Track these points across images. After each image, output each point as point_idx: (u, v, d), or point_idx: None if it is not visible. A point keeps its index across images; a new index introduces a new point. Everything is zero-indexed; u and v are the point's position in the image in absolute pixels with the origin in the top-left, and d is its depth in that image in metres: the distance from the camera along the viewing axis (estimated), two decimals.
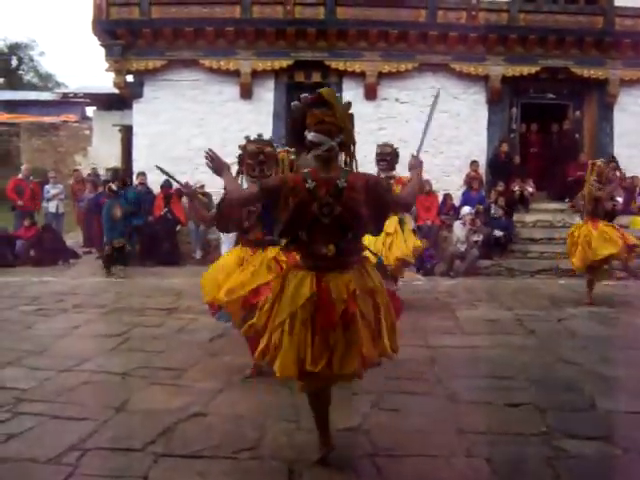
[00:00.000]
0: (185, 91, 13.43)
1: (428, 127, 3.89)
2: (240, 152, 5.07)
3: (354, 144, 3.34)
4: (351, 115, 3.32)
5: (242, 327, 4.93)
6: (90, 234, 13.52)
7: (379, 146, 7.78)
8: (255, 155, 4.87)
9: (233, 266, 4.90)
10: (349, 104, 3.32)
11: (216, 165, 3.63)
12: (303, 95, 3.29)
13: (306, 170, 3.24)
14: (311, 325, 3.10)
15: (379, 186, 3.29)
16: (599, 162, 8.67)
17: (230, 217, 4.89)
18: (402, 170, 10.14)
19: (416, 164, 3.75)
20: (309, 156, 3.26)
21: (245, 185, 4.94)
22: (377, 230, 3.44)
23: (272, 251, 4.81)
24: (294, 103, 3.32)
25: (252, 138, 5.00)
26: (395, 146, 7.80)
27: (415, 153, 3.81)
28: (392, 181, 7.97)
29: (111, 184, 12.06)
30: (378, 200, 3.23)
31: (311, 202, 3.12)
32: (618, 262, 8.56)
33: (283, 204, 3.17)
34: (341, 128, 3.19)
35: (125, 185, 13.09)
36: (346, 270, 3.18)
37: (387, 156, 7.68)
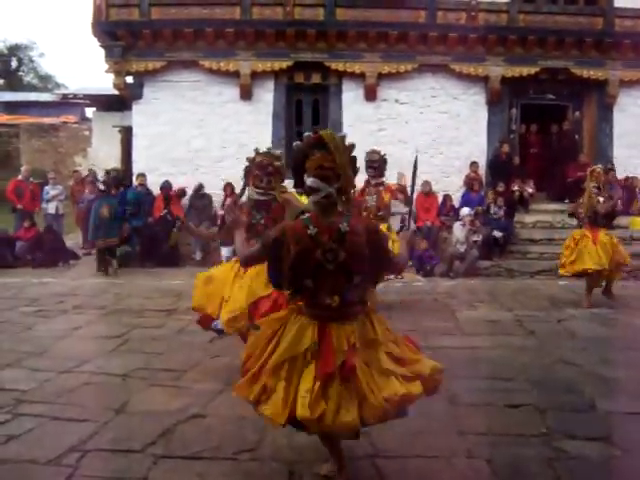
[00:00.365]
0: (185, 92, 13.41)
1: (413, 190, 3.94)
2: (247, 164, 5.15)
3: (353, 188, 3.29)
4: (353, 158, 3.24)
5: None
6: (95, 235, 13.47)
7: (367, 153, 7.80)
8: (264, 167, 4.94)
9: (229, 277, 4.95)
10: (352, 147, 3.23)
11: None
12: (306, 134, 3.24)
13: (306, 216, 3.18)
14: (310, 373, 2.98)
15: (378, 233, 3.25)
16: (598, 168, 8.70)
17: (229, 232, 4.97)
18: (396, 170, 10.23)
19: (407, 236, 3.71)
20: (310, 200, 3.19)
21: (247, 195, 5.11)
22: (374, 282, 3.39)
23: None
24: (296, 143, 3.27)
25: (261, 151, 5.06)
26: (383, 153, 7.82)
27: (407, 226, 3.83)
28: (381, 188, 8.00)
29: (99, 184, 12.16)
30: (376, 247, 3.14)
31: (314, 249, 3.04)
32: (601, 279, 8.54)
33: (286, 254, 3.08)
34: (339, 174, 3.10)
35: (118, 185, 13.12)
36: (349, 321, 3.09)
37: (375, 163, 7.74)
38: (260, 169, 4.94)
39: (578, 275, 8.42)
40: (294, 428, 3.14)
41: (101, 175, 14.81)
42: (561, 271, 8.66)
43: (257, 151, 5.09)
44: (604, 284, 8.54)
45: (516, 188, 13.08)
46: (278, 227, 3.23)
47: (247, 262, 3.61)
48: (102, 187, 11.87)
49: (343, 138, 3.19)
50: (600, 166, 9.06)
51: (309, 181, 3.11)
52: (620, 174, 13.16)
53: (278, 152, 5.27)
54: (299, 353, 3.02)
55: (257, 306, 4.66)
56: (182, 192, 12.44)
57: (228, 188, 11.97)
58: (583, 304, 8.27)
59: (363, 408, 2.94)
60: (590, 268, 8.08)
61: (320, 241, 3.04)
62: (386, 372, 3.04)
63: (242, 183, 5.36)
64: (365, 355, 3.04)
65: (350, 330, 3.06)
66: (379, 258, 3.17)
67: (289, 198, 4.97)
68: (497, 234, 11.76)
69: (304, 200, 3.94)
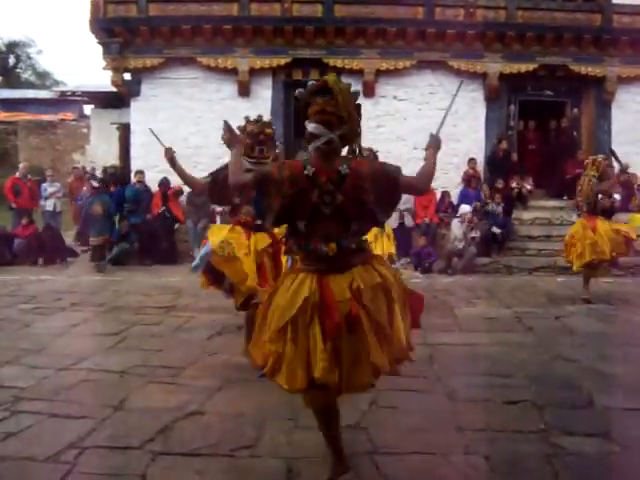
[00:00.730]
0: (183, 89, 13.40)
1: (449, 109, 3.46)
2: (239, 132, 5.05)
3: (358, 136, 3.07)
4: (358, 106, 3.06)
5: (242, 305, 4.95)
6: (87, 232, 13.51)
7: None
8: (255, 135, 4.84)
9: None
10: (357, 94, 3.07)
11: (230, 138, 3.53)
12: (310, 82, 3.08)
13: (305, 157, 3.04)
14: (317, 330, 2.81)
15: (386, 170, 3.00)
16: (599, 158, 8.66)
17: (223, 189, 4.76)
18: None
19: (434, 143, 3.33)
20: (309, 148, 2.99)
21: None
22: (383, 218, 3.06)
23: (263, 239, 4.85)
24: (299, 90, 3.10)
25: (251, 118, 4.95)
26: (375, 149, 7.83)
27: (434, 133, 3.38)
28: None
29: (92, 181, 12.21)
30: (386, 185, 2.94)
31: (310, 190, 2.88)
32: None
33: (276, 192, 2.92)
34: (343, 119, 2.92)
35: (116, 183, 13.20)
36: (349, 271, 2.92)
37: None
38: (251, 138, 4.83)
39: (586, 266, 8.31)
40: (313, 391, 2.91)
41: (99, 172, 14.86)
42: (574, 268, 8.52)
43: (247, 119, 4.98)
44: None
45: (515, 185, 13.10)
46: (275, 163, 3.10)
47: (236, 186, 3.30)
48: (96, 184, 11.99)
49: (349, 85, 3.03)
50: (601, 156, 9.02)
51: (310, 127, 2.94)
52: (617, 171, 13.15)
53: (267, 119, 5.17)
54: (299, 306, 2.83)
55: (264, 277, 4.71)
56: (179, 192, 12.45)
57: None
58: (581, 296, 8.25)
59: (374, 357, 2.81)
60: (595, 259, 8.04)
61: (317, 182, 2.88)
62: (396, 321, 2.92)
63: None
64: (373, 300, 2.86)
65: (350, 277, 2.89)
66: (391, 190, 2.97)
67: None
68: (496, 230, 11.77)
69: None
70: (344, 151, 3.11)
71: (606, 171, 8.47)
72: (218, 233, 5.05)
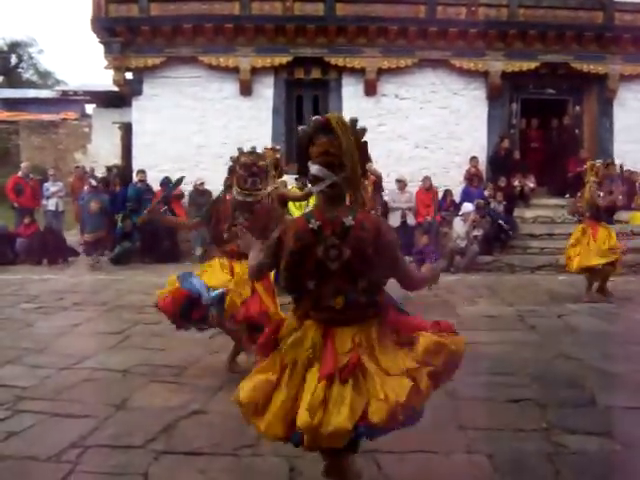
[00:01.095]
0: (184, 88, 13.41)
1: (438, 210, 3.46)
2: (231, 163, 5.03)
3: (361, 179, 2.87)
4: (363, 145, 2.84)
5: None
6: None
7: None
8: (248, 167, 4.80)
9: (218, 269, 4.96)
10: (363, 131, 2.84)
11: (246, 245, 3.31)
12: (314, 118, 2.88)
13: (309, 210, 2.90)
14: (314, 377, 2.68)
15: (388, 235, 2.80)
16: (597, 163, 8.69)
17: (214, 228, 4.97)
18: (396, 165, 10.17)
19: (434, 272, 3.36)
20: (314, 190, 2.83)
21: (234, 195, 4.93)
22: (379, 278, 2.87)
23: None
24: (301, 127, 2.90)
25: (245, 150, 4.94)
26: (378, 171, 7.80)
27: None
28: (366, 182, 7.94)
29: (91, 180, 12.37)
30: (383, 250, 2.75)
31: (315, 245, 2.71)
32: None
33: (285, 251, 2.77)
34: (344, 163, 2.73)
35: (120, 182, 13.29)
36: (357, 324, 2.77)
37: None
38: (244, 169, 4.80)
39: (583, 271, 8.37)
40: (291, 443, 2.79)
41: (102, 172, 14.87)
42: (568, 268, 8.61)
43: (241, 151, 4.95)
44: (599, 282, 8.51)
45: (517, 183, 13.09)
46: (279, 227, 2.90)
47: (256, 273, 3.13)
48: (94, 183, 12.14)
49: (354, 122, 2.83)
50: (599, 161, 9.05)
51: (313, 169, 2.77)
52: (619, 169, 13.15)
53: (277, 146, 5.17)
54: (301, 357, 2.74)
55: (248, 306, 4.70)
56: (180, 195, 12.46)
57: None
58: (583, 298, 8.27)
59: (369, 406, 2.60)
60: (593, 265, 8.08)
61: (322, 236, 2.71)
62: (400, 370, 2.71)
63: (225, 183, 5.24)
64: (374, 355, 2.74)
65: (356, 330, 2.76)
66: (386, 263, 2.79)
67: (285, 192, 4.90)
68: (503, 223, 11.76)
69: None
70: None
71: (608, 176, 8.51)
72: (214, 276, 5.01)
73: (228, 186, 5.14)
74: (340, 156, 2.72)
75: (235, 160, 4.96)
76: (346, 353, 2.69)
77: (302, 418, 2.59)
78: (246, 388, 2.88)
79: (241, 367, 4.98)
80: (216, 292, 4.80)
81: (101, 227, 12.01)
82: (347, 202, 2.83)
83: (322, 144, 2.74)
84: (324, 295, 2.75)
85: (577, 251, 8.24)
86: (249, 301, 4.74)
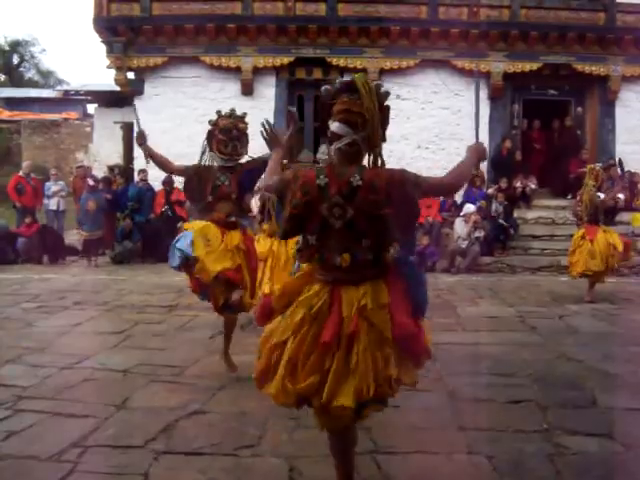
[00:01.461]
0: (186, 88, 13.42)
1: (478, 115, 3.42)
2: (210, 127, 4.85)
3: (380, 141, 2.79)
4: (386, 107, 2.82)
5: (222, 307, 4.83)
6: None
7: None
8: (228, 131, 4.68)
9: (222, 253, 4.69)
10: (387, 94, 2.81)
11: (272, 140, 3.22)
12: (338, 79, 2.88)
13: (322, 165, 2.90)
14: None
15: (406, 183, 2.72)
16: (597, 167, 8.72)
17: (199, 185, 4.75)
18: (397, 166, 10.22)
19: (477, 149, 3.09)
20: (331, 148, 2.81)
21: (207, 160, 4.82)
22: (405, 241, 2.88)
23: (236, 236, 4.74)
24: (324, 87, 2.85)
25: (224, 113, 4.80)
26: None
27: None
28: None
29: (88, 179, 12.45)
30: (404, 201, 2.71)
31: (320, 202, 2.71)
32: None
33: (289, 200, 2.78)
34: (367, 122, 2.70)
35: (110, 181, 13.38)
36: (363, 283, 2.74)
37: None
38: (224, 133, 4.68)
39: (582, 276, 8.40)
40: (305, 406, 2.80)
41: (104, 171, 14.91)
42: (569, 274, 8.67)
43: (219, 113, 4.81)
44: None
45: (518, 184, 13.08)
46: (292, 170, 2.90)
47: (265, 189, 3.23)
48: (91, 182, 12.24)
49: (379, 86, 2.79)
50: (599, 165, 9.06)
51: (333, 126, 2.75)
52: (618, 163, 13.17)
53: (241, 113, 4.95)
54: (308, 317, 2.70)
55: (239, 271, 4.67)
56: (182, 202, 12.48)
57: None
58: (585, 298, 8.28)
59: (358, 381, 2.62)
60: (590, 270, 8.10)
61: (328, 194, 2.71)
62: (389, 345, 2.69)
63: (203, 147, 4.96)
64: (375, 320, 2.69)
65: (362, 292, 2.71)
66: (409, 207, 2.75)
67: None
68: (504, 222, 11.77)
69: None
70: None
71: (608, 179, 8.54)
72: (194, 227, 4.85)
73: (202, 152, 4.93)
74: (362, 114, 2.69)
75: (214, 123, 4.81)
76: (351, 316, 2.66)
77: (305, 390, 2.64)
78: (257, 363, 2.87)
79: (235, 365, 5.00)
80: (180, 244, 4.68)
81: (99, 226, 12.14)
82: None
83: (344, 102, 2.72)
84: (328, 252, 2.75)
85: (577, 258, 8.27)
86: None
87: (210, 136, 4.85)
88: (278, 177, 2.96)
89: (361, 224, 2.70)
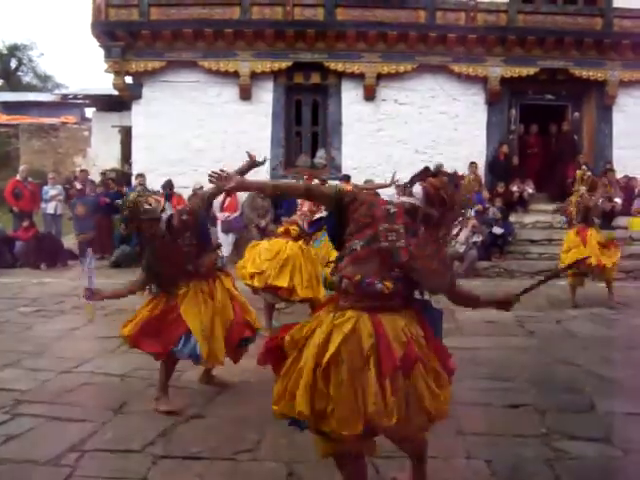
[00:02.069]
0: (184, 92, 13.41)
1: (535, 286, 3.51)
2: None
3: (447, 233, 2.93)
4: (459, 206, 2.96)
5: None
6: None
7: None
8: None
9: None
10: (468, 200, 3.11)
11: (221, 179, 2.96)
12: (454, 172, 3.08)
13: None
14: (372, 373, 2.62)
15: (451, 269, 3.03)
16: (588, 173, 8.79)
17: (171, 268, 4.44)
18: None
19: (507, 300, 3.40)
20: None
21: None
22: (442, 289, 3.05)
23: (226, 281, 4.66)
24: (438, 164, 2.94)
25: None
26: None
27: None
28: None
29: (76, 183, 12.61)
30: (442, 273, 2.91)
31: (381, 221, 2.80)
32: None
33: (349, 216, 2.84)
34: (446, 206, 2.86)
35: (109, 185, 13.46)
36: (398, 314, 2.80)
37: None
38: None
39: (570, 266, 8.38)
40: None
41: (98, 176, 14.91)
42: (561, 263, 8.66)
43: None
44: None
45: (515, 188, 13.10)
46: (351, 193, 2.95)
47: (309, 194, 3.16)
48: (79, 187, 12.81)
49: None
50: (589, 173, 9.12)
51: (415, 187, 2.91)
52: (619, 174, 13.18)
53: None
54: (351, 349, 2.65)
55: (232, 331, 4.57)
56: (200, 189, 12.52)
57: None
58: (609, 303, 8.34)
59: (429, 404, 2.70)
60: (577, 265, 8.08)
61: (392, 219, 2.80)
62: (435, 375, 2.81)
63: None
64: (422, 350, 2.79)
65: (403, 323, 2.77)
66: (438, 284, 2.93)
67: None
68: (497, 230, 11.76)
69: None
70: None
71: (603, 185, 8.61)
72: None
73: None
74: (444, 199, 2.82)
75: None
76: (402, 342, 2.70)
77: (373, 411, 2.56)
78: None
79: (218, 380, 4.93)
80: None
81: (89, 229, 12.61)
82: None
83: (440, 180, 2.89)
84: (369, 277, 2.74)
85: (569, 256, 8.25)
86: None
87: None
88: (339, 189, 3.04)
89: (402, 258, 2.76)
